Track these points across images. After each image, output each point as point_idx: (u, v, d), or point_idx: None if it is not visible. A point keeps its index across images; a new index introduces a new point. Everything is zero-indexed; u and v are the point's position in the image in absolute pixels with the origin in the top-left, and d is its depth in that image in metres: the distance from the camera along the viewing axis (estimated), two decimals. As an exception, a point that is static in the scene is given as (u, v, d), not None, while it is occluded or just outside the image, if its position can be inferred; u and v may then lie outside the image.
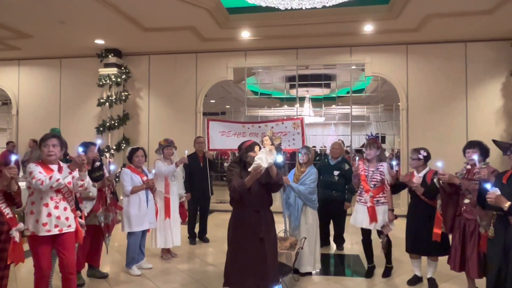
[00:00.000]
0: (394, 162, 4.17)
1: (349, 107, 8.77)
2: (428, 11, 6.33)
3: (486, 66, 7.77)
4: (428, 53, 7.97)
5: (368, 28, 7.17)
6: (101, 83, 8.50)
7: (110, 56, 8.50)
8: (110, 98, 8.43)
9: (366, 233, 4.27)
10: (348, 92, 8.96)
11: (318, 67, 9.15)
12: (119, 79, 8.53)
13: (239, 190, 3.06)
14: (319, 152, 13.38)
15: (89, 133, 8.43)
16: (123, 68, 8.71)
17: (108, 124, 8.41)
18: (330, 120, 14.59)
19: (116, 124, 8.46)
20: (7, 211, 2.64)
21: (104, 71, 8.53)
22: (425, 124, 7.94)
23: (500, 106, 7.72)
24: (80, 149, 3.01)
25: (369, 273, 4.28)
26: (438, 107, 7.93)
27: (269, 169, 3.07)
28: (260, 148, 3.16)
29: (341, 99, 10.98)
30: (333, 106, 13.73)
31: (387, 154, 14.47)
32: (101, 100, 8.49)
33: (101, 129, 8.45)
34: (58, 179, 2.84)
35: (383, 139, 14.93)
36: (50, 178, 2.81)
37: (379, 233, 4.15)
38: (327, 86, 11.30)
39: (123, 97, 8.60)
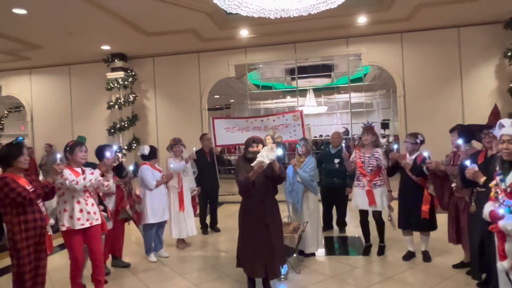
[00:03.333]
0: (395, 146, 4.50)
1: (357, 94, 9.03)
2: (417, 1, 6.57)
3: (480, 49, 7.99)
4: (422, 40, 8.20)
5: (362, 20, 7.44)
6: (109, 87, 8.91)
7: (116, 60, 8.90)
8: (119, 100, 8.83)
9: (363, 214, 4.63)
10: (351, 81, 9.23)
11: (316, 59, 9.43)
12: (126, 82, 8.93)
13: (244, 184, 3.45)
14: (323, 141, 13.66)
15: (101, 136, 8.86)
16: (129, 71, 9.09)
17: (118, 125, 8.83)
18: (334, 109, 14.86)
19: (126, 125, 8.88)
20: (43, 208, 3.06)
21: (111, 75, 8.93)
22: (422, 109, 8.21)
23: (495, 88, 7.95)
24: (108, 154, 3.47)
25: (366, 251, 4.66)
26: (434, 92, 8.19)
27: (272, 164, 3.41)
28: (262, 145, 3.52)
29: (344, 87, 11.24)
30: (335, 95, 14.00)
31: (391, 139, 14.76)
32: (110, 103, 8.91)
33: (112, 130, 8.88)
34: (91, 179, 3.30)
35: (387, 125, 15.16)
36: (84, 178, 3.24)
37: (375, 213, 4.51)
38: (328, 76, 11.56)
39: (131, 99, 9.01)
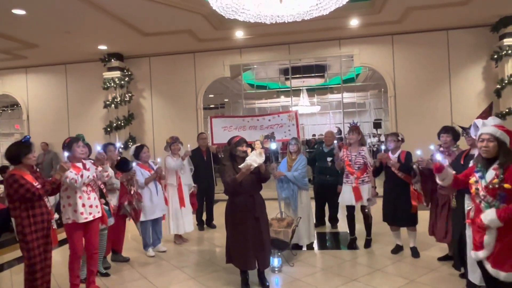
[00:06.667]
0: (382, 147, 4.65)
1: (350, 94, 9.25)
2: (407, 4, 6.80)
3: (467, 51, 8.26)
4: (412, 42, 8.45)
5: (354, 22, 7.65)
6: (105, 86, 9.02)
7: (112, 60, 9.02)
8: (115, 100, 8.96)
9: (350, 210, 4.88)
10: (344, 81, 9.45)
11: (310, 60, 9.64)
12: (122, 82, 9.05)
13: (232, 185, 3.62)
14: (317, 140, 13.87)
15: (97, 134, 8.98)
16: (125, 71, 9.21)
17: (114, 124, 8.95)
18: (327, 108, 15.07)
19: (122, 124, 9.01)
20: (48, 203, 3.22)
21: (108, 74, 9.05)
22: (412, 109, 8.46)
23: (482, 89, 8.23)
24: (99, 148, 3.66)
25: (351, 244, 4.92)
26: (424, 92, 8.45)
27: (259, 167, 3.60)
28: (248, 145, 3.69)
29: (337, 88, 11.45)
30: (328, 95, 14.22)
31: (383, 138, 15.02)
32: (107, 102, 9.03)
33: (108, 129, 9.00)
34: (88, 176, 3.46)
35: (379, 125, 15.42)
36: (82, 176, 3.39)
37: (363, 208, 4.74)
38: (321, 76, 11.77)
39: (127, 98, 9.14)
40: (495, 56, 7.80)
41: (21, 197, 2.99)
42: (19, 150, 3.11)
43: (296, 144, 4.89)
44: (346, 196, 4.80)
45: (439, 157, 3.01)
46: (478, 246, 2.63)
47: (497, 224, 2.47)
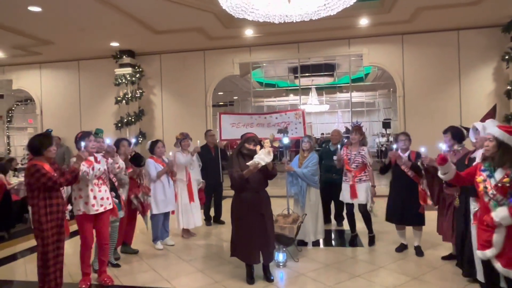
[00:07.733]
0: (394, 146, 4.62)
1: (359, 93, 9.27)
2: (417, 4, 6.80)
3: (478, 52, 8.21)
4: (423, 42, 8.43)
5: (364, 21, 7.67)
6: (117, 82, 9.18)
7: (124, 57, 9.18)
8: (126, 96, 9.12)
9: (349, 207, 4.99)
10: (353, 80, 9.47)
11: (319, 59, 9.68)
12: (133, 78, 9.20)
13: (239, 181, 3.71)
14: (324, 139, 13.89)
15: (108, 130, 9.08)
16: (136, 68, 9.36)
17: (125, 120, 9.12)
18: (336, 107, 15.09)
19: (133, 120, 9.17)
20: (64, 195, 3.35)
21: (119, 71, 9.20)
22: (421, 109, 8.44)
23: (492, 90, 8.18)
24: (108, 141, 3.87)
25: (352, 240, 5.03)
26: (433, 92, 8.42)
27: (267, 165, 3.67)
28: (257, 144, 3.77)
29: (346, 87, 11.47)
30: (337, 93, 14.24)
31: (391, 138, 14.98)
32: (118, 98, 9.19)
33: (119, 125, 9.17)
34: (99, 168, 3.60)
35: (389, 124, 15.37)
36: (93, 169, 3.53)
37: (361, 206, 4.83)
38: (330, 75, 11.80)
39: (138, 95, 9.29)
40: (506, 57, 7.74)
41: (42, 186, 3.11)
42: (41, 142, 3.24)
43: (308, 142, 4.99)
44: (345, 194, 4.94)
45: (443, 146, 3.04)
46: (485, 245, 2.64)
47: (509, 222, 2.50)
